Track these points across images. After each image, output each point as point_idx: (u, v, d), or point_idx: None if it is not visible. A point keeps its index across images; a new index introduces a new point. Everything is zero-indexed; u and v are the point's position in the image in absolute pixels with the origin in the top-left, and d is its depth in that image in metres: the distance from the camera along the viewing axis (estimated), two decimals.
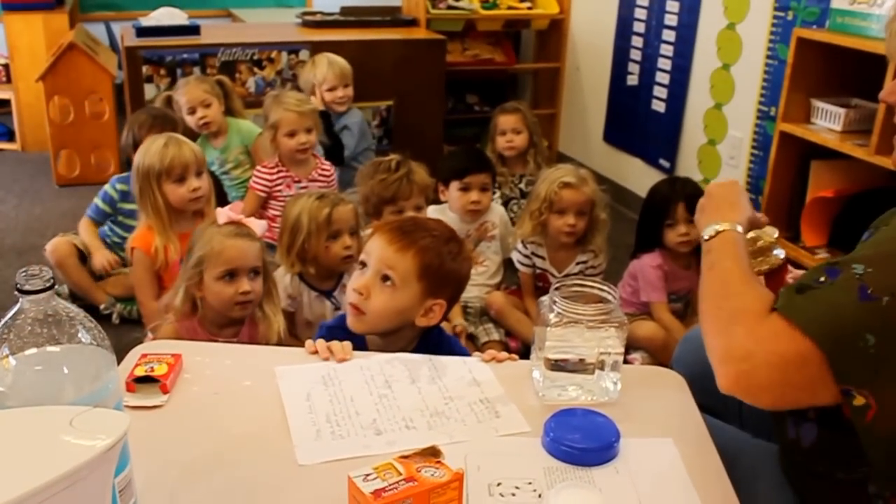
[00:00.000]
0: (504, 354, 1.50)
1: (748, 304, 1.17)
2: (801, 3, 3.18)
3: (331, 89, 3.75)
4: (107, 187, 3.24)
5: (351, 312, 1.64)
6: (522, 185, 3.59)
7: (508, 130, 3.63)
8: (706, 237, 1.39)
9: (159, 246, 2.63)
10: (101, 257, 3.15)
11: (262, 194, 3.28)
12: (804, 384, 1.10)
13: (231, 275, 2.17)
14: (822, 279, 1.12)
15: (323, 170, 3.38)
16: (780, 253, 1.48)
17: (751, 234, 1.45)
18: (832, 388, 1.08)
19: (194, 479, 1.14)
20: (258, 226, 2.28)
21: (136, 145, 3.15)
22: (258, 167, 3.31)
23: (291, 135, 3.23)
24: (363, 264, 1.65)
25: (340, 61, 3.78)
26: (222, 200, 3.52)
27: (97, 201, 3.24)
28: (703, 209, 1.48)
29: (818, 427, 1.25)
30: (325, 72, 3.74)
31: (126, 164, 3.39)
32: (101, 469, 0.81)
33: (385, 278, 1.62)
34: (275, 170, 3.28)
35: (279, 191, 3.27)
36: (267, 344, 2.24)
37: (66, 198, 4.31)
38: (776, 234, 1.49)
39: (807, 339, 1.08)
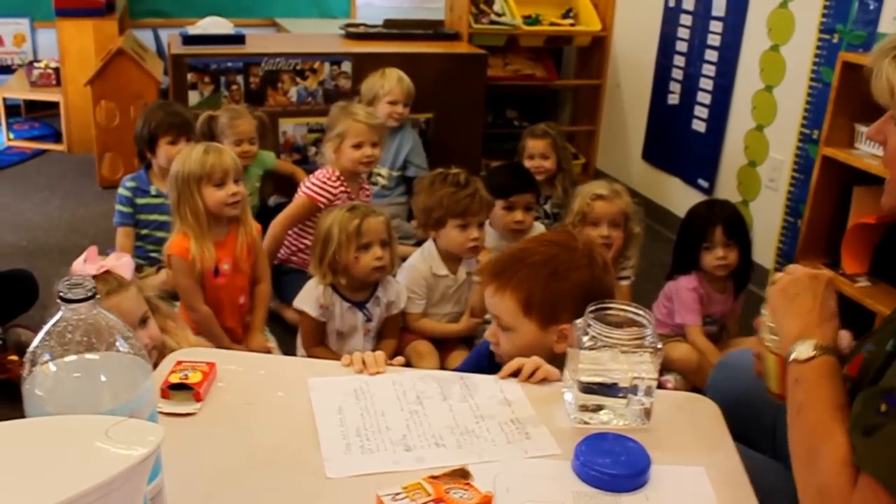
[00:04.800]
0: (530, 366, 1.48)
1: (833, 479, 1.10)
2: (847, 27, 3.15)
3: (392, 102, 3.77)
4: (120, 191, 3.32)
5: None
6: (548, 207, 3.56)
7: (537, 155, 3.61)
8: (799, 357, 1.26)
9: (196, 253, 2.63)
10: None
11: (322, 204, 3.16)
12: None
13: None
14: (883, 408, 1.07)
15: (366, 192, 3.38)
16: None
17: None
18: None
19: (224, 489, 1.15)
20: (125, 266, 2.01)
21: (150, 140, 3.26)
22: (319, 178, 3.21)
23: (358, 146, 3.20)
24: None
25: (409, 80, 3.82)
26: None
27: (118, 207, 3.31)
28: (790, 299, 1.35)
29: None
30: (393, 84, 3.77)
31: (139, 157, 3.46)
32: (135, 479, 0.82)
33: (503, 326, 1.65)
34: (337, 183, 3.20)
35: (336, 205, 3.16)
36: None
37: (108, 199, 4.35)
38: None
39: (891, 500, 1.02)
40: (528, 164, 3.60)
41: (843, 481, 1.09)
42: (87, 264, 1.94)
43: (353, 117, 3.23)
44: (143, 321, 1.99)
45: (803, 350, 1.25)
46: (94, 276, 1.91)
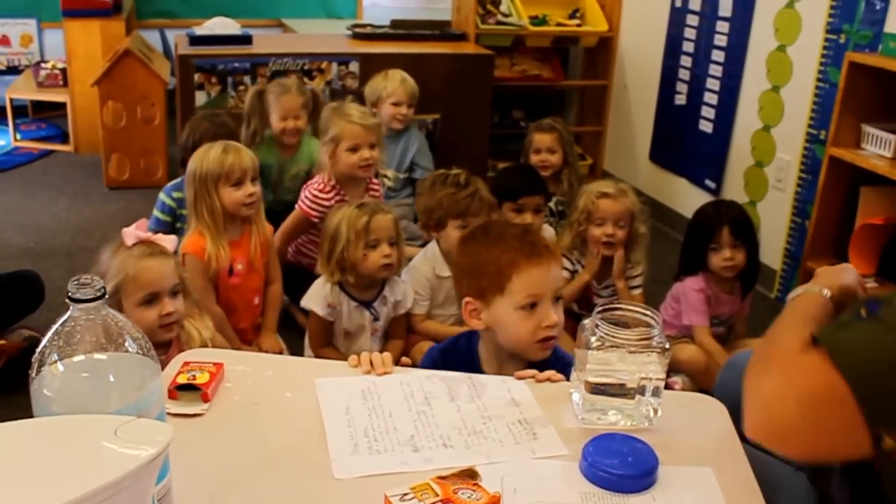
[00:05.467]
0: (543, 374, 1.49)
1: (787, 344, 1.14)
2: (854, 27, 3.14)
3: (396, 104, 3.75)
4: (164, 198, 3.22)
5: (545, 347, 1.65)
6: (552, 205, 3.55)
7: (543, 149, 3.60)
8: (790, 297, 1.36)
9: (212, 252, 2.62)
10: None
11: (316, 219, 3.07)
12: (836, 426, 1.04)
13: (150, 299, 2.06)
14: (863, 313, 1.09)
15: (374, 190, 3.26)
16: None
17: None
18: (864, 431, 1.03)
19: (231, 490, 1.15)
20: (169, 241, 2.19)
21: (194, 150, 3.17)
22: (312, 190, 3.10)
23: (354, 149, 3.06)
24: (533, 304, 1.64)
25: (412, 81, 3.78)
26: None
27: (157, 214, 3.23)
28: (816, 275, 1.44)
29: (851, 487, 1.22)
30: (396, 86, 3.74)
31: (181, 165, 3.39)
32: (144, 479, 0.82)
33: (558, 298, 1.68)
34: (331, 194, 3.08)
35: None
36: None
37: (115, 200, 4.39)
38: None
39: (838, 374, 1.03)
40: (534, 158, 3.59)
41: (795, 346, 1.11)
42: (137, 230, 2.12)
43: (347, 119, 3.08)
44: (174, 293, 2.10)
45: (796, 291, 1.35)
46: (140, 241, 2.09)
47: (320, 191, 3.10)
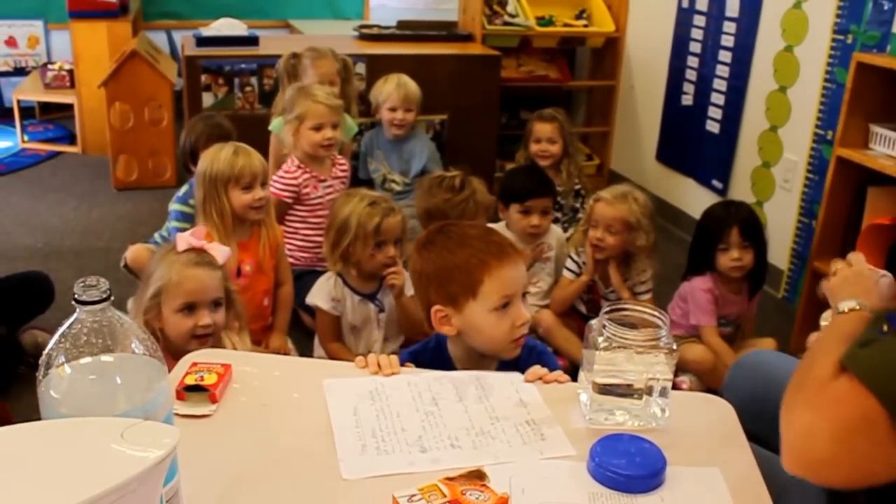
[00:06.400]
0: (552, 375, 1.49)
1: (817, 371, 1.11)
2: (862, 27, 3.13)
3: (391, 109, 3.73)
4: (178, 207, 3.11)
5: (518, 345, 1.64)
6: None
7: (543, 139, 3.60)
8: (841, 309, 1.38)
9: None
10: None
11: (289, 200, 3.17)
12: (872, 451, 1.02)
13: (190, 308, 2.07)
14: (885, 328, 1.08)
15: (340, 165, 3.33)
16: None
17: None
18: None
19: (239, 490, 1.15)
20: (221, 253, 2.19)
21: (192, 153, 3.13)
22: (279, 174, 3.18)
23: (317, 128, 3.13)
24: (505, 304, 1.61)
25: (410, 85, 3.74)
26: None
27: (175, 223, 3.10)
28: (846, 279, 1.48)
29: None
30: (390, 91, 3.72)
31: (185, 170, 3.39)
32: (151, 481, 0.83)
33: (524, 294, 1.67)
34: (298, 172, 3.16)
35: (306, 194, 3.19)
36: None
37: (123, 201, 4.39)
38: None
39: (870, 396, 1.00)
40: (534, 147, 3.60)
41: (825, 374, 1.09)
42: (191, 237, 2.14)
43: (313, 98, 3.14)
44: (216, 304, 2.10)
45: (847, 304, 1.33)
46: (191, 248, 2.11)
47: (288, 171, 3.18)
